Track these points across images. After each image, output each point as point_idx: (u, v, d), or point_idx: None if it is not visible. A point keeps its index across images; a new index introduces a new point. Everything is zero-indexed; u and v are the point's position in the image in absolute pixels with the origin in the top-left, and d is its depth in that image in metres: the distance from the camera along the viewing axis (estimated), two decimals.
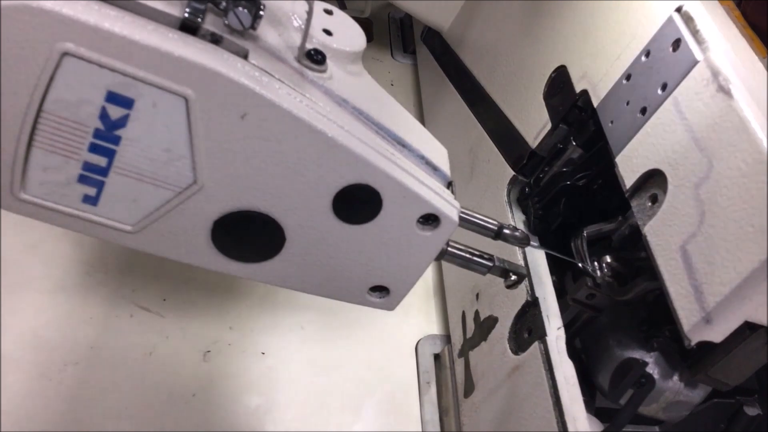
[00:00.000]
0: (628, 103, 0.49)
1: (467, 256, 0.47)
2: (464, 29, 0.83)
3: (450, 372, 0.59)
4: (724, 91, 0.40)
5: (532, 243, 0.48)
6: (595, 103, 0.53)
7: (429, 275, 0.70)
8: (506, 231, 0.47)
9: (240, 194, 0.39)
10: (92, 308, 0.61)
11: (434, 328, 0.65)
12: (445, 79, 0.83)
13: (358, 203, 0.40)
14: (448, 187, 0.45)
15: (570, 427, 0.44)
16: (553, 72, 0.60)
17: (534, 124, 0.60)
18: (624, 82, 0.50)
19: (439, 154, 0.45)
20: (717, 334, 0.38)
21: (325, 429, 0.56)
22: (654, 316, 0.48)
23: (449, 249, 0.47)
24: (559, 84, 0.58)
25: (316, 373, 0.60)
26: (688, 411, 0.50)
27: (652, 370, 0.48)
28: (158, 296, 0.63)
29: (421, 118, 0.88)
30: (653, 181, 0.45)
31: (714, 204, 0.39)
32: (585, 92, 0.54)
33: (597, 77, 0.53)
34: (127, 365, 0.58)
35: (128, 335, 0.60)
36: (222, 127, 0.37)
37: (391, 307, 0.46)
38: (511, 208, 0.59)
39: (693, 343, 0.39)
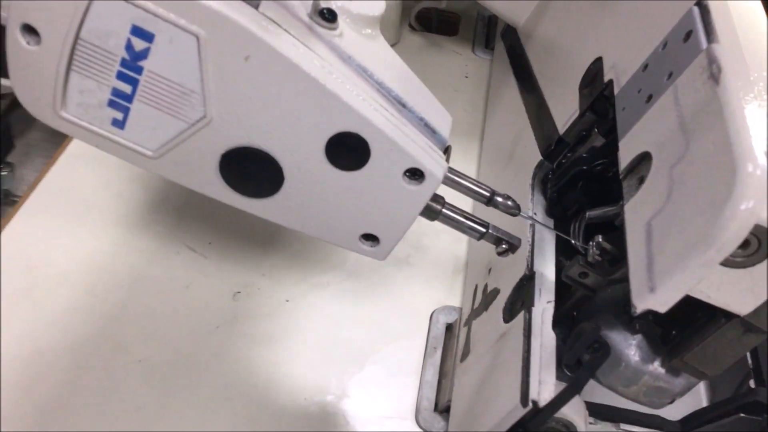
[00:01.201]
0: (639, 91, 0.50)
1: (461, 219, 0.50)
2: (535, 24, 0.85)
3: (456, 340, 0.62)
4: (714, 78, 0.41)
5: (522, 213, 0.50)
6: (616, 91, 0.54)
7: (461, 252, 0.72)
8: (498, 198, 0.49)
9: (244, 131, 0.44)
10: (145, 242, 0.68)
11: (455, 301, 0.67)
12: (510, 72, 0.85)
13: (348, 150, 0.44)
14: (445, 152, 0.48)
15: (533, 388, 0.46)
16: (592, 63, 0.61)
17: (566, 112, 0.61)
18: (641, 72, 0.51)
19: (442, 120, 0.48)
20: (660, 303, 0.39)
21: (326, 375, 0.60)
22: None
23: (444, 210, 0.49)
24: (593, 74, 0.60)
25: (331, 326, 0.64)
26: (669, 399, 0.50)
27: (633, 352, 0.49)
28: (205, 239, 0.69)
29: (486, 110, 0.91)
30: (644, 164, 0.46)
31: (681, 183, 0.40)
32: (611, 82, 0.55)
33: (622, 67, 0.54)
34: (164, 294, 0.64)
35: (171, 269, 0.66)
36: (228, 67, 0.42)
37: (380, 257, 0.49)
38: (532, 191, 0.61)
39: (638, 310, 0.40)
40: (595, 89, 0.58)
